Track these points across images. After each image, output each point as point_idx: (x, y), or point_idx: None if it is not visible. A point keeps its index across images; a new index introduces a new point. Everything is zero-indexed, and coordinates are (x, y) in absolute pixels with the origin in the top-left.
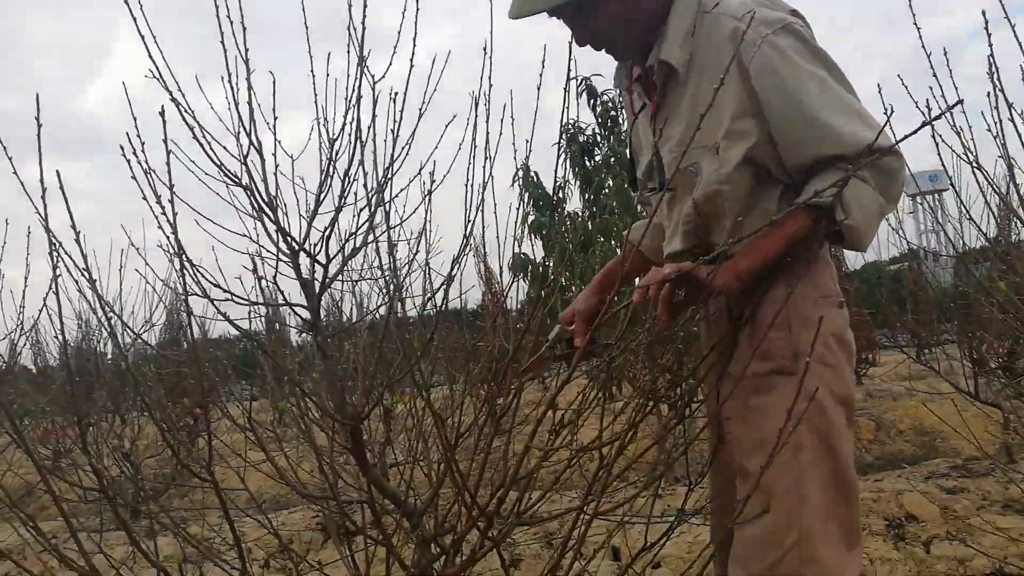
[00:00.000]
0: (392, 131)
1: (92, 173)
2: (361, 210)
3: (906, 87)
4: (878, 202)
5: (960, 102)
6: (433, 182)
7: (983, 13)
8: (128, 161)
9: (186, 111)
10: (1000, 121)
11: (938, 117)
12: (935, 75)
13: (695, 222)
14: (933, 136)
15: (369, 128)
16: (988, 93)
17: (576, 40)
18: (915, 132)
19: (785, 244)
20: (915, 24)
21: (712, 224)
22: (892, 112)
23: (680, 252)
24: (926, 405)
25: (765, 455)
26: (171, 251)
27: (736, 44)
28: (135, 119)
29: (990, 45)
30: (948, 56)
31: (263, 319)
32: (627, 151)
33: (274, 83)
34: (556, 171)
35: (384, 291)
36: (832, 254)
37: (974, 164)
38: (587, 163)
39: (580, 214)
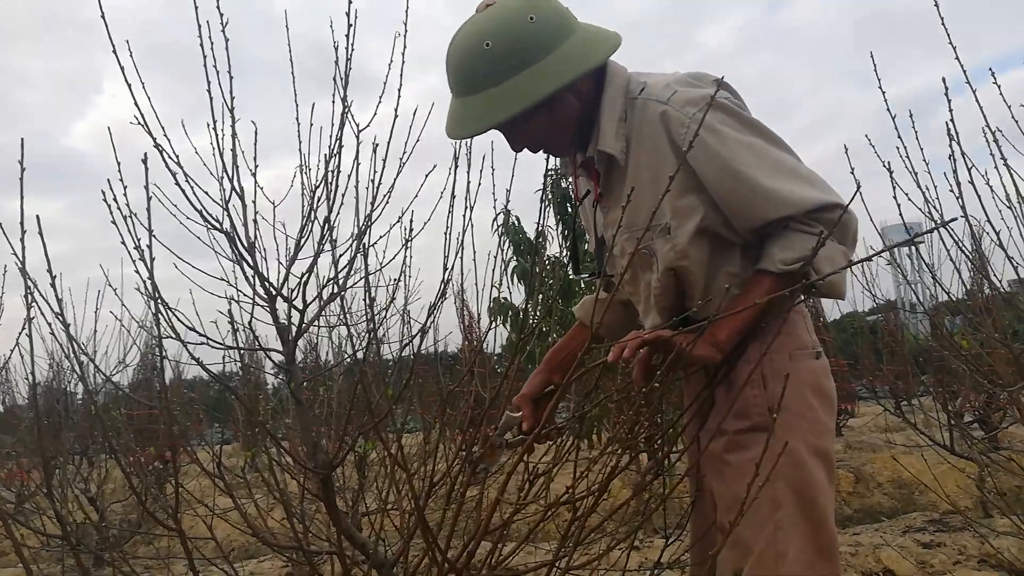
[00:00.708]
0: (373, 181)
1: (73, 208)
2: (340, 256)
3: (873, 145)
4: (841, 251)
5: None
6: (412, 230)
7: (943, 80)
8: (108, 205)
9: (170, 157)
10: (959, 184)
11: (868, 259)
12: (900, 136)
13: (666, 296)
14: (895, 197)
15: (349, 176)
16: (949, 156)
17: (512, 148)
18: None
19: (756, 310)
20: (880, 88)
21: (683, 293)
22: (859, 187)
23: (660, 326)
24: (896, 459)
25: (745, 514)
26: (147, 294)
27: (665, 128)
28: (119, 163)
29: (950, 111)
30: (916, 114)
31: (239, 363)
32: (573, 240)
33: (256, 132)
34: (540, 217)
35: (360, 337)
36: (809, 304)
37: (938, 223)
38: (569, 209)
39: (561, 260)
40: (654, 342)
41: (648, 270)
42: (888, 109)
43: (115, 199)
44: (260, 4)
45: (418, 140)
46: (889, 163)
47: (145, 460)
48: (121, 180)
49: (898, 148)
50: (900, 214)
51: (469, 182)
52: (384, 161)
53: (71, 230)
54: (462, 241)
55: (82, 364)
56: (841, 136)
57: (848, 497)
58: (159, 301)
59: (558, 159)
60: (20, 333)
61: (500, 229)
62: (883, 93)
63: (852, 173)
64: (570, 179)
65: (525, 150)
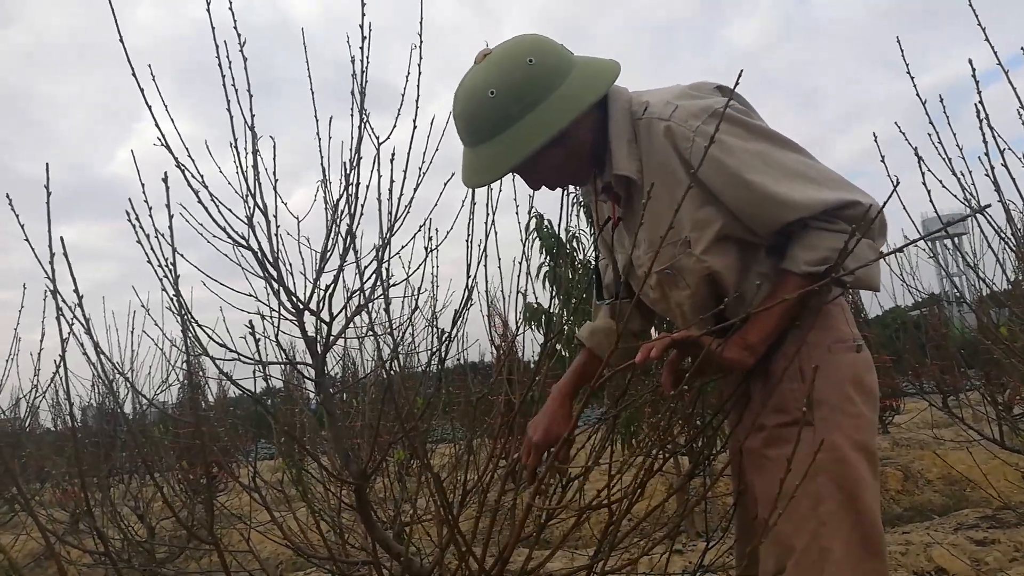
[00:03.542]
0: (392, 192)
1: (120, 233)
2: (364, 268)
3: (903, 133)
4: (867, 245)
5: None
6: (431, 238)
7: (970, 61)
8: (133, 226)
9: (193, 176)
10: (992, 168)
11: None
12: (931, 122)
13: (705, 308)
14: (924, 184)
15: (368, 187)
16: (983, 139)
17: (529, 187)
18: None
19: (785, 310)
20: (908, 73)
21: (721, 300)
22: (898, 182)
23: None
24: (939, 455)
25: (786, 510)
26: (175, 310)
27: (672, 144)
28: (143, 185)
29: (978, 92)
30: (958, 97)
31: (280, 377)
32: (597, 266)
33: (274, 148)
34: (560, 217)
35: (389, 347)
36: (849, 299)
37: (976, 210)
38: None
39: (591, 264)
40: (683, 343)
41: (675, 288)
42: (918, 94)
43: (137, 219)
44: (292, 29)
45: (437, 150)
46: (917, 148)
47: (192, 477)
48: (146, 201)
49: (930, 135)
50: (931, 200)
51: (490, 188)
52: (404, 172)
53: (116, 256)
54: (484, 248)
55: (112, 384)
56: (872, 129)
57: (897, 495)
58: (187, 317)
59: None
60: (62, 356)
61: (533, 234)
62: (912, 79)
63: (883, 161)
64: (587, 206)
65: (544, 188)
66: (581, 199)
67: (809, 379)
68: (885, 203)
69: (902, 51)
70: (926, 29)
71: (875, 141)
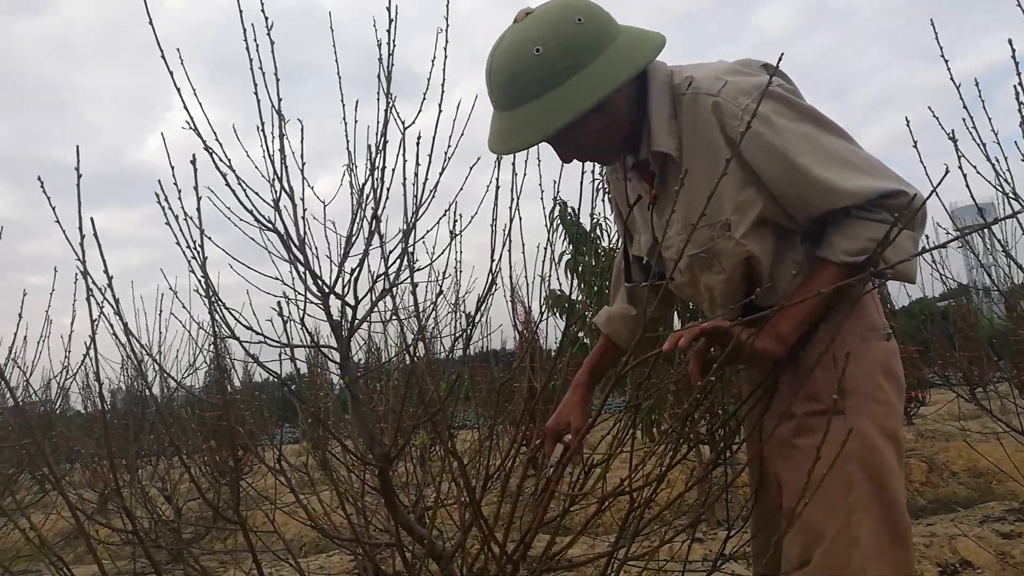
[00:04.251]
0: (418, 175)
1: (151, 219)
2: (389, 253)
3: (937, 118)
4: (908, 236)
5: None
6: (456, 222)
7: (1009, 42)
8: (163, 208)
9: (221, 160)
10: None
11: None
12: (965, 107)
13: (737, 294)
14: (961, 168)
15: (394, 171)
16: (1020, 123)
17: (561, 158)
18: (944, 245)
19: (820, 300)
20: (943, 56)
21: (753, 286)
22: (945, 173)
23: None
24: (970, 445)
25: (814, 497)
26: (202, 292)
27: (719, 120)
28: (172, 167)
29: (1019, 74)
30: (986, 87)
31: (305, 361)
32: (625, 247)
33: (302, 131)
34: (580, 203)
35: (414, 332)
36: (877, 287)
37: (1011, 195)
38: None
39: (614, 253)
40: (712, 333)
41: (707, 271)
42: (952, 78)
43: (167, 200)
44: (317, 17)
45: (462, 135)
46: (953, 131)
47: (217, 459)
48: (175, 184)
49: (964, 120)
50: (967, 186)
51: (515, 173)
52: (430, 157)
53: (148, 241)
54: (508, 233)
55: (142, 364)
56: (903, 116)
57: (921, 487)
58: (214, 299)
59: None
60: (91, 338)
61: (556, 221)
62: (946, 62)
63: (915, 147)
64: (612, 185)
65: (574, 161)
66: (605, 178)
67: (840, 367)
68: (929, 195)
69: (936, 34)
70: (955, 17)
71: (907, 125)
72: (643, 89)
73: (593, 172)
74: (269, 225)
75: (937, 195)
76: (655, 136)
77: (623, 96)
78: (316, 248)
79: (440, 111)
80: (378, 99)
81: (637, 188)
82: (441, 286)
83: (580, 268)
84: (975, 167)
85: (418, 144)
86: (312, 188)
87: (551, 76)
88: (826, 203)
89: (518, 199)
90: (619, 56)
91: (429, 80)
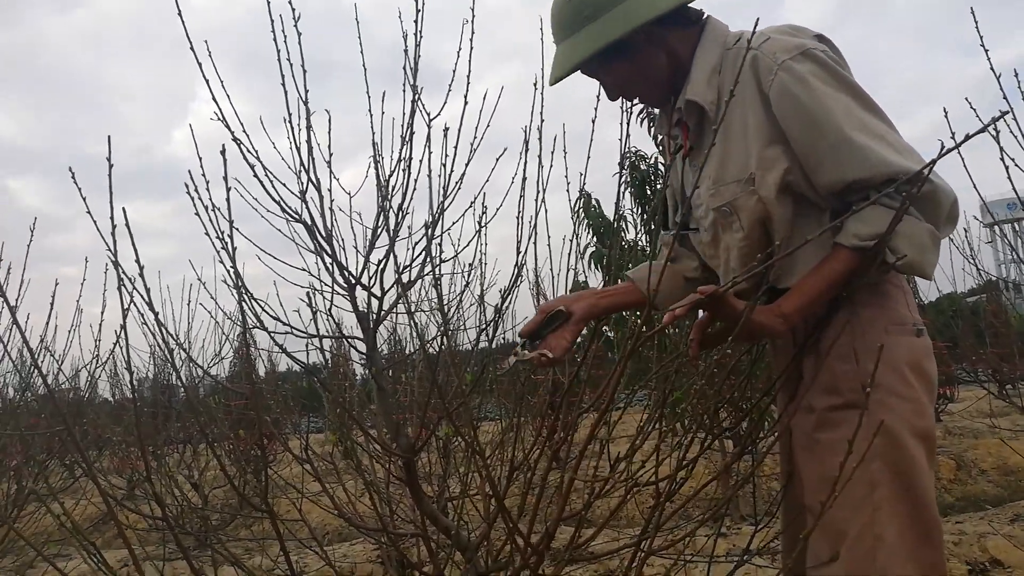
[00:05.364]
0: (445, 166)
1: (177, 212)
2: (416, 244)
3: (974, 109)
4: (927, 231)
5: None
6: (484, 214)
7: None
8: (192, 198)
9: (248, 151)
10: None
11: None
12: (1005, 97)
13: (752, 257)
14: (1003, 159)
15: (421, 161)
16: None
17: (608, 95)
18: (941, 156)
19: (829, 284)
20: (982, 46)
21: (763, 252)
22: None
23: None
24: (1006, 442)
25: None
26: (231, 283)
27: (754, 73)
28: (200, 158)
29: None
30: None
31: (329, 352)
32: (664, 195)
33: (330, 120)
34: (617, 200)
35: (439, 324)
36: (908, 281)
37: None
38: (648, 192)
39: (637, 245)
40: (711, 304)
41: (728, 230)
42: (992, 68)
43: (196, 190)
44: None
45: (488, 126)
46: (1003, 114)
47: (243, 448)
48: (204, 175)
49: (1002, 111)
50: (1009, 177)
51: (541, 165)
52: (455, 148)
53: (172, 234)
54: (534, 225)
55: (172, 353)
56: (937, 110)
57: (949, 485)
58: (242, 289)
59: (659, 136)
60: (121, 327)
61: (580, 213)
62: (986, 52)
63: (953, 137)
64: (663, 138)
65: (624, 100)
66: (656, 131)
67: (864, 360)
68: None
69: (976, 23)
70: (989, 9)
71: (945, 116)
72: (695, 43)
73: (622, 164)
74: (296, 216)
75: (976, 188)
76: (692, 85)
77: (667, 49)
78: (343, 240)
79: (466, 103)
80: (404, 91)
81: (675, 144)
82: (467, 278)
83: (604, 260)
84: (1013, 159)
85: (445, 135)
86: (338, 180)
87: (578, 18)
88: (848, 170)
89: (544, 191)
90: (645, 1)
91: (455, 71)
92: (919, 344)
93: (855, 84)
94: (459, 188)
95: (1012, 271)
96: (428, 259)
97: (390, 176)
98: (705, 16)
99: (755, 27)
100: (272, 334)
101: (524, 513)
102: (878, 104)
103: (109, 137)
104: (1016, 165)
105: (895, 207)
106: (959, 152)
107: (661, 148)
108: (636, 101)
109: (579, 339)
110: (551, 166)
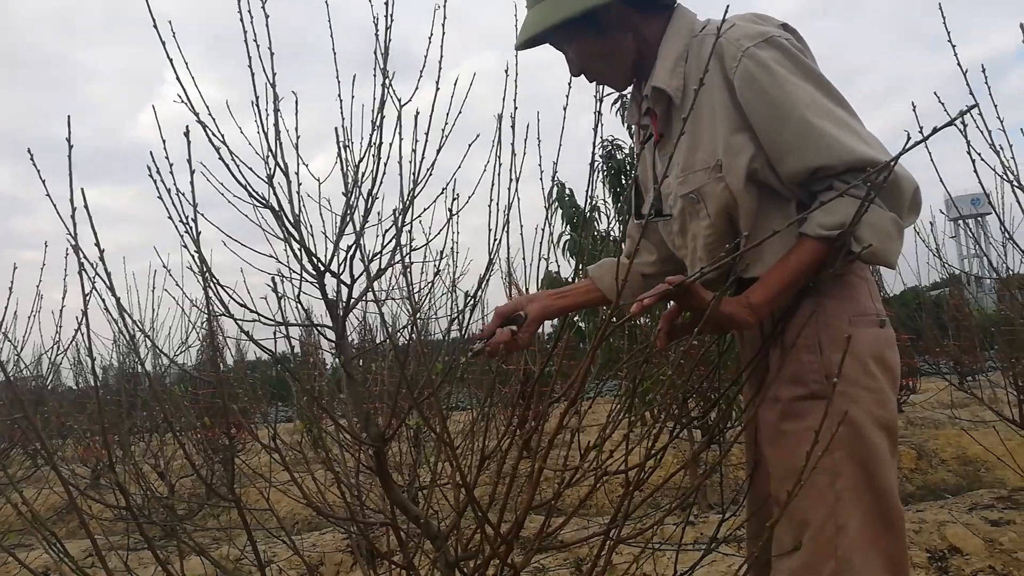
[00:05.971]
0: (415, 152)
1: (143, 196)
2: (386, 231)
3: (942, 103)
4: (891, 219)
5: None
6: (455, 201)
7: (1021, 26)
8: (155, 181)
9: (214, 134)
10: None
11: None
12: (972, 93)
13: (718, 247)
14: (969, 153)
15: (391, 146)
16: None
17: (570, 71)
18: (907, 150)
19: (796, 275)
20: (949, 41)
21: (730, 242)
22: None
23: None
24: (968, 433)
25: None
26: (197, 269)
27: (719, 60)
28: (164, 141)
29: None
30: (991, 74)
31: (298, 340)
32: (634, 183)
33: (296, 103)
34: (588, 187)
35: (409, 312)
36: (873, 273)
37: (1015, 183)
38: (624, 182)
39: (610, 235)
40: (680, 296)
41: (696, 218)
42: (959, 63)
43: (159, 173)
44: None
45: (460, 112)
46: (969, 110)
47: (211, 437)
48: (167, 158)
49: (969, 105)
50: (975, 171)
51: (514, 153)
52: (427, 135)
53: (137, 219)
54: (507, 214)
55: (135, 339)
56: (908, 104)
57: (910, 474)
58: (208, 275)
59: (630, 124)
60: (83, 313)
61: (555, 203)
62: (953, 47)
63: (920, 131)
64: (633, 128)
65: (582, 77)
66: (626, 120)
67: (839, 352)
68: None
69: (944, 19)
70: (963, 7)
71: (913, 110)
72: (662, 30)
73: (593, 155)
74: (263, 202)
75: (943, 184)
76: (656, 72)
77: (635, 33)
78: (311, 226)
79: (438, 89)
80: (375, 76)
81: (645, 132)
82: (438, 266)
83: (579, 248)
84: (979, 154)
85: (416, 121)
86: (307, 166)
87: None
88: (812, 157)
89: (518, 180)
90: None
91: (426, 57)
92: (883, 335)
93: (819, 73)
94: (430, 175)
95: (975, 265)
96: (398, 247)
97: (360, 161)
98: (675, 4)
99: (725, 14)
100: (239, 321)
101: (494, 502)
102: (842, 95)
103: (69, 117)
104: (983, 159)
105: (860, 196)
106: (927, 147)
107: (631, 135)
108: (596, 83)
109: (551, 329)
110: (524, 153)
